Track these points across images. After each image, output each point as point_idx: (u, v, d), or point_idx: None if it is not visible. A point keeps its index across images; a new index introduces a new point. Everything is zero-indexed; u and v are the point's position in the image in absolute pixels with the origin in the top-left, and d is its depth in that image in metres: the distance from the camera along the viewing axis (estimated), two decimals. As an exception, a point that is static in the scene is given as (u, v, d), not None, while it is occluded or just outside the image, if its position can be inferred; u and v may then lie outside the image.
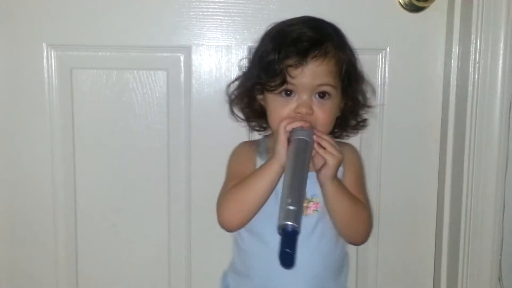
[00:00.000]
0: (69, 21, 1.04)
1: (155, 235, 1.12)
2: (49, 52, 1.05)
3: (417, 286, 1.19)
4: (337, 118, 0.94)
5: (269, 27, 0.96)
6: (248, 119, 1.00)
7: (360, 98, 0.97)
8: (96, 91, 1.07)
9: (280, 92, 0.88)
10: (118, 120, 1.08)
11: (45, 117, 1.06)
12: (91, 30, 1.05)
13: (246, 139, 1.05)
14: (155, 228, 1.12)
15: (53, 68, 1.05)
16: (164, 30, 1.05)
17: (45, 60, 1.05)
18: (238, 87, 0.99)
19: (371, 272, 1.17)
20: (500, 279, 1.09)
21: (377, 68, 1.11)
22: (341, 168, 0.91)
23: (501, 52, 1.02)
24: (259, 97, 0.94)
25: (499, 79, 1.03)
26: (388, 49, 1.10)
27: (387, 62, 1.10)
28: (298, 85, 0.87)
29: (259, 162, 0.93)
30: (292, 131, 0.85)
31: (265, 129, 1.01)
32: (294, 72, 0.86)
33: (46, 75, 1.05)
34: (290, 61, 0.86)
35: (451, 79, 1.09)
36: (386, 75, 1.11)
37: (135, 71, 1.07)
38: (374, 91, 1.03)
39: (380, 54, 1.10)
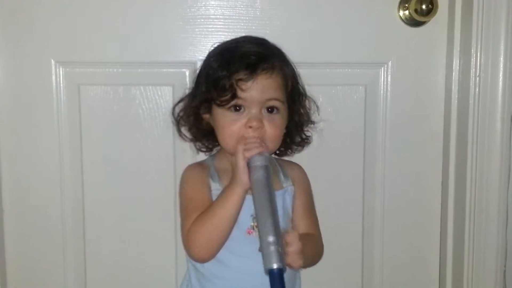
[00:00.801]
0: (76, 39, 1.05)
1: (163, 247, 1.13)
2: (57, 69, 1.06)
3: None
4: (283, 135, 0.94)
5: (211, 49, 0.98)
6: (195, 138, 1.00)
7: (305, 113, 0.98)
8: (103, 107, 1.08)
9: (230, 108, 0.89)
10: (125, 134, 1.09)
11: (53, 132, 1.07)
12: (98, 47, 1.06)
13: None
14: (163, 239, 1.12)
15: (61, 84, 1.07)
16: (170, 46, 1.07)
17: (53, 76, 1.06)
18: (184, 107, 0.98)
19: (377, 274, 1.18)
20: (505, 289, 1.10)
21: (379, 81, 1.12)
22: (292, 189, 0.95)
23: (501, 65, 1.03)
24: (206, 116, 0.95)
25: (499, 92, 1.04)
26: (390, 63, 1.11)
27: (389, 76, 1.12)
28: (249, 99, 0.88)
29: (213, 185, 0.93)
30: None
31: (210, 149, 1.02)
32: (244, 86, 0.87)
33: (54, 91, 1.06)
34: (240, 75, 0.87)
35: (453, 92, 1.10)
36: (389, 89, 1.12)
37: (141, 87, 1.08)
38: (317, 107, 1.02)
39: (383, 68, 1.12)
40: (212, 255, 0.90)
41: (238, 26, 1.06)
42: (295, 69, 0.96)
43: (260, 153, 0.85)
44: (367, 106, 1.12)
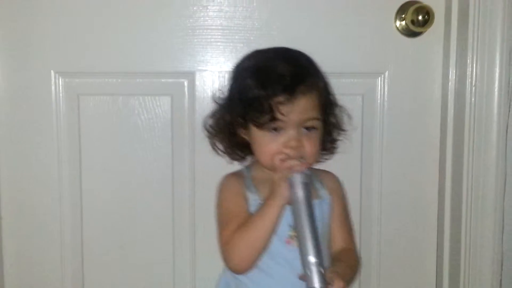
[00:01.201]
0: (76, 49, 1.06)
1: (161, 255, 1.13)
2: (57, 79, 1.07)
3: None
4: None
5: (243, 60, 0.97)
6: (229, 152, 1.00)
7: (338, 122, 1.00)
8: (103, 117, 1.08)
9: (268, 128, 0.89)
10: (124, 144, 1.10)
11: (53, 141, 1.08)
12: (97, 57, 1.07)
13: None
14: (161, 248, 1.13)
15: (61, 95, 1.07)
16: (169, 57, 1.07)
17: (53, 86, 1.07)
18: (217, 121, 0.98)
19: (374, 274, 1.18)
20: (501, 296, 1.10)
21: (376, 91, 1.13)
22: (329, 199, 0.96)
23: (497, 75, 1.04)
24: (242, 130, 0.94)
25: (495, 102, 1.05)
26: (387, 73, 1.12)
27: (386, 85, 1.13)
28: (287, 121, 0.88)
29: (251, 196, 0.94)
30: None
31: (244, 158, 1.01)
32: (283, 109, 0.87)
33: (54, 101, 1.07)
34: (279, 98, 0.87)
35: (449, 101, 1.11)
36: (386, 98, 1.13)
37: (140, 97, 1.08)
38: (348, 115, 1.03)
39: (380, 78, 1.12)
40: (250, 267, 0.91)
41: (237, 37, 1.07)
42: (326, 80, 0.96)
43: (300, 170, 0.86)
44: (364, 115, 1.13)
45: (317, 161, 1.01)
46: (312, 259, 0.81)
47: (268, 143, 0.90)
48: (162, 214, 1.12)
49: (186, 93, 1.09)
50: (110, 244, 1.12)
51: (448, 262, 1.14)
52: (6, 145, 1.08)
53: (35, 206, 1.10)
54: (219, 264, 0.95)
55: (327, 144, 1.00)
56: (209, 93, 1.08)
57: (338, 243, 0.97)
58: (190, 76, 1.08)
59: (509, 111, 1.05)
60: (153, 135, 1.10)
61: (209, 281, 1.03)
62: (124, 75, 1.08)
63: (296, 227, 0.85)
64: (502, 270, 1.09)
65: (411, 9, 1.06)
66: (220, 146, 1.00)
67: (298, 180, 0.85)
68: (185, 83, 1.09)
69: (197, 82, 1.08)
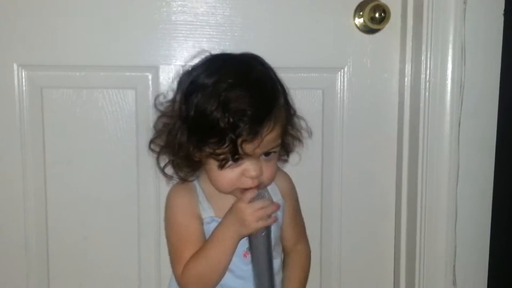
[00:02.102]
0: (39, 42, 1.06)
1: (125, 249, 1.14)
2: (19, 72, 1.06)
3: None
4: None
5: (199, 73, 0.89)
6: (178, 169, 0.93)
7: (295, 135, 0.98)
8: (66, 110, 1.08)
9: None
10: (88, 137, 1.10)
11: (16, 135, 1.07)
12: (61, 50, 1.07)
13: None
14: (126, 242, 1.14)
15: (24, 88, 1.07)
16: (133, 51, 1.08)
17: (16, 79, 1.06)
18: (169, 141, 0.91)
19: (335, 275, 1.22)
20: (454, 283, 1.15)
21: (336, 85, 1.16)
22: (282, 203, 0.97)
23: (449, 71, 1.08)
24: (197, 154, 0.88)
25: (448, 96, 1.09)
26: (346, 68, 1.16)
27: (345, 80, 1.16)
28: (250, 154, 0.84)
29: (204, 213, 0.92)
30: None
31: (193, 175, 0.95)
32: (248, 147, 0.83)
33: (17, 94, 1.07)
34: (245, 137, 0.82)
35: (405, 95, 1.15)
36: (345, 92, 1.16)
37: (105, 90, 1.09)
38: (308, 129, 1.03)
39: (339, 73, 1.16)
40: None
41: (199, 32, 1.09)
42: (286, 93, 0.91)
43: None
44: (325, 109, 1.16)
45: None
46: None
47: (227, 173, 0.86)
48: (127, 205, 1.13)
49: (151, 86, 1.10)
50: (74, 236, 1.13)
51: (405, 249, 1.19)
52: (-32, 138, 1.07)
53: (-1, 198, 1.10)
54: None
55: (285, 153, 0.99)
56: (173, 86, 1.09)
57: (291, 236, 1.02)
58: (154, 70, 1.09)
59: (461, 105, 1.09)
60: (117, 127, 1.10)
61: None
62: (88, 68, 1.08)
63: (252, 258, 0.88)
64: (455, 254, 1.14)
65: (369, 7, 1.09)
66: (164, 163, 0.95)
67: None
68: (149, 77, 1.10)
69: (161, 76, 1.09)
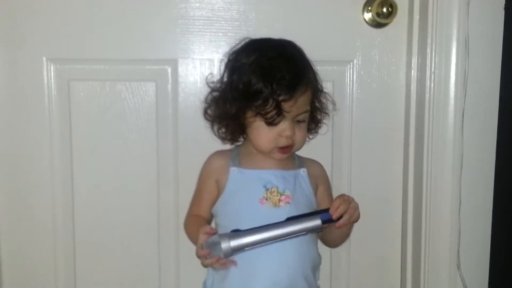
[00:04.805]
0: (67, 37, 1.12)
1: (145, 234, 1.19)
2: (48, 66, 1.12)
3: (386, 274, 1.29)
4: None
5: (241, 53, 1.04)
6: (227, 134, 1.08)
7: (322, 107, 1.09)
8: (91, 101, 1.14)
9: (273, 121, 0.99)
10: (111, 127, 1.16)
11: (45, 125, 1.14)
12: (86, 45, 1.13)
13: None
14: (145, 228, 1.19)
15: (52, 80, 1.13)
16: (153, 45, 1.14)
17: (45, 73, 1.13)
18: (220, 109, 1.05)
19: (344, 270, 1.27)
20: (458, 266, 1.18)
21: (345, 78, 1.21)
22: (305, 172, 1.06)
23: (454, 63, 1.12)
24: (243, 118, 1.02)
25: (452, 87, 1.13)
26: (355, 61, 1.20)
27: (354, 72, 1.21)
28: (288, 111, 0.98)
29: (231, 166, 1.04)
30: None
31: (237, 140, 1.10)
32: (286, 105, 0.98)
33: (45, 86, 1.13)
34: (282, 96, 0.97)
35: (412, 87, 1.19)
36: (354, 84, 1.21)
37: (127, 82, 1.15)
38: (333, 101, 1.14)
39: (348, 65, 1.20)
40: None
41: (216, 26, 1.14)
42: (315, 70, 1.06)
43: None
44: (335, 100, 1.20)
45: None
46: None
47: (267, 132, 1.00)
48: (147, 189, 1.18)
49: (170, 79, 1.16)
50: (99, 219, 1.18)
51: (412, 234, 1.23)
52: (-1, 131, 1.13)
53: (27, 190, 1.16)
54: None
55: (312, 126, 1.11)
56: (191, 79, 1.16)
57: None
58: (173, 63, 1.15)
59: (464, 95, 1.13)
60: (139, 118, 1.16)
61: (193, 263, 1.05)
62: (111, 61, 1.14)
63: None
64: (459, 239, 1.18)
65: (377, 2, 1.14)
66: (220, 130, 1.08)
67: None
68: (169, 70, 1.15)
69: (179, 69, 1.15)
